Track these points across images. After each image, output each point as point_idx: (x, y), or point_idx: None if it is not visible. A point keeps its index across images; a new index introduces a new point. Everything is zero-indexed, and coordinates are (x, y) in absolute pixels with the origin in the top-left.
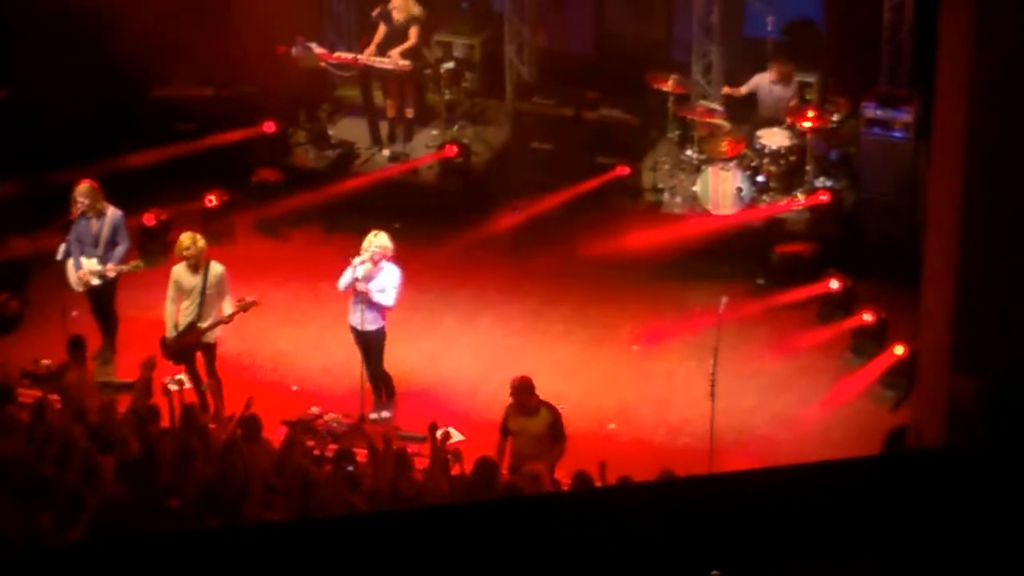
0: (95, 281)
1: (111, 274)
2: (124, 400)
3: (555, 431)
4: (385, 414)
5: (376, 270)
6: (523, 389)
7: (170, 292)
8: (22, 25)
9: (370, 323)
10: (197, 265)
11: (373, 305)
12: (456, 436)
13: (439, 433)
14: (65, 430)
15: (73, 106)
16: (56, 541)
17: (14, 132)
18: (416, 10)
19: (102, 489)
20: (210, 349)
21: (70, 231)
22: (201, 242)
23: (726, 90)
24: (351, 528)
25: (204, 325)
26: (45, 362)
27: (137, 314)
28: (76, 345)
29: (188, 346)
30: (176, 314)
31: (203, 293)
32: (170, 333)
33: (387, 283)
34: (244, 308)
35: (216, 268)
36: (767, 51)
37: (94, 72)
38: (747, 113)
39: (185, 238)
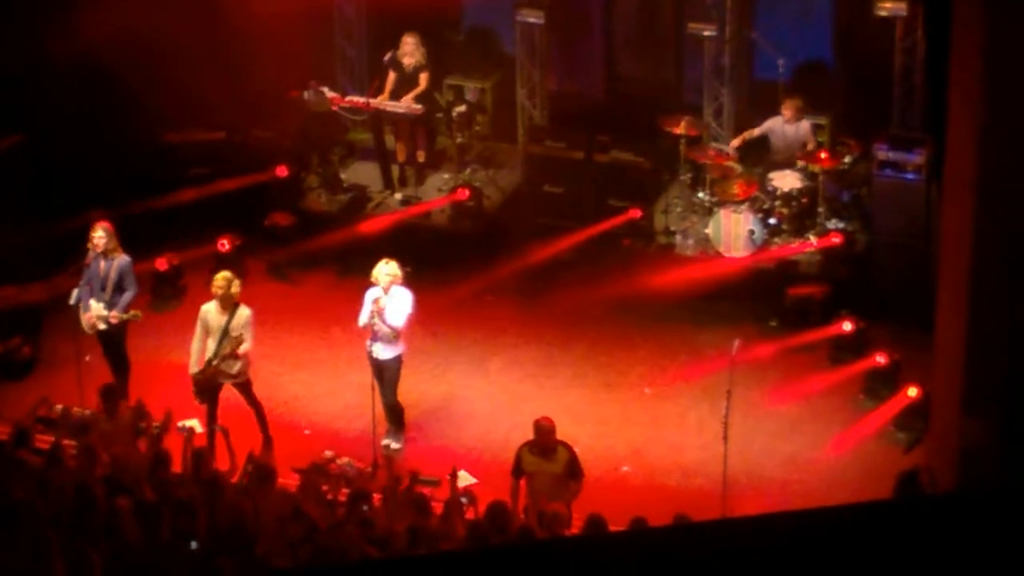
0: (101, 325)
1: (113, 321)
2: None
3: (573, 469)
4: (394, 445)
5: (389, 298)
6: (547, 430)
7: (197, 330)
8: (36, 70)
9: (387, 351)
10: (226, 307)
11: (388, 333)
12: (468, 479)
13: (451, 476)
14: (80, 475)
15: (86, 151)
16: None
17: (28, 177)
18: (423, 57)
19: (118, 535)
20: (244, 387)
21: (83, 275)
22: (236, 287)
23: (736, 142)
24: (365, 574)
25: (218, 361)
26: (59, 407)
27: (149, 358)
28: (108, 394)
29: (212, 383)
30: (202, 352)
31: (225, 333)
32: (192, 369)
33: (399, 307)
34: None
35: (244, 312)
36: (778, 93)
37: (107, 117)
38: (759, 155)
39: (220, 278)
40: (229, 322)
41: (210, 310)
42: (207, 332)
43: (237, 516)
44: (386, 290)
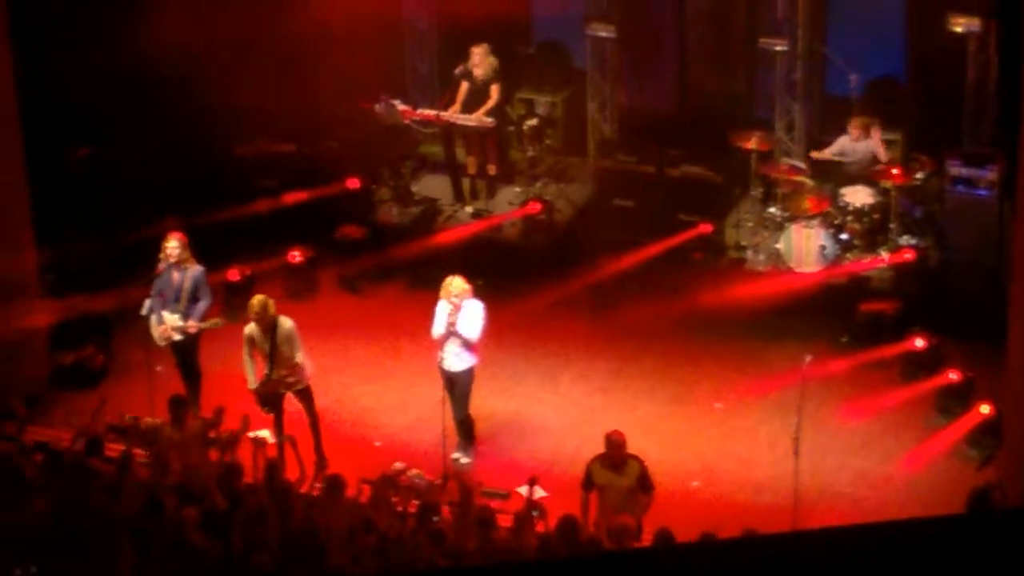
0: (177, 336)
1: (192, 330)
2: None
3: (644, 482)
4: (464, 459)
5: (461, 311)
6: (618, 444)
7: (244, 348)
8: (106, 82)
9: (459, 363)
10: (267, 328)
11: (461, 345)
12: (539, 492)
13: (524, 488)
14: (151, 483)
15: (157, 163)
16: None
17: (99, 189)
18: (493, 67)
19: (187, 542)
20: (304, 394)
21: (154, 286)
22: (272, 308)
23: (814, 154)
24: None
25: (276, 377)
26: (128, 416)
27: (222, 369)
28: (177, 404)
29: (274, 394)
30: (256, 368)
31: (275, 349)
32: (251, 384)
33: (472, 319)
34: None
35: (285, 324)
36: (850, 109)
37: (178, 129)
38: (830, 171)
39: (255, 303)
40: (274, 338)
41: (254, 331)
42: (255, 349)
43: (308, 526)
44: (457, 308)
